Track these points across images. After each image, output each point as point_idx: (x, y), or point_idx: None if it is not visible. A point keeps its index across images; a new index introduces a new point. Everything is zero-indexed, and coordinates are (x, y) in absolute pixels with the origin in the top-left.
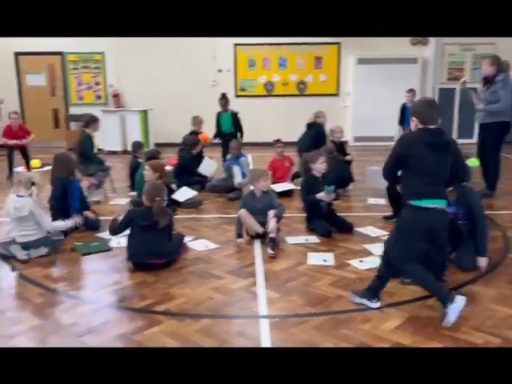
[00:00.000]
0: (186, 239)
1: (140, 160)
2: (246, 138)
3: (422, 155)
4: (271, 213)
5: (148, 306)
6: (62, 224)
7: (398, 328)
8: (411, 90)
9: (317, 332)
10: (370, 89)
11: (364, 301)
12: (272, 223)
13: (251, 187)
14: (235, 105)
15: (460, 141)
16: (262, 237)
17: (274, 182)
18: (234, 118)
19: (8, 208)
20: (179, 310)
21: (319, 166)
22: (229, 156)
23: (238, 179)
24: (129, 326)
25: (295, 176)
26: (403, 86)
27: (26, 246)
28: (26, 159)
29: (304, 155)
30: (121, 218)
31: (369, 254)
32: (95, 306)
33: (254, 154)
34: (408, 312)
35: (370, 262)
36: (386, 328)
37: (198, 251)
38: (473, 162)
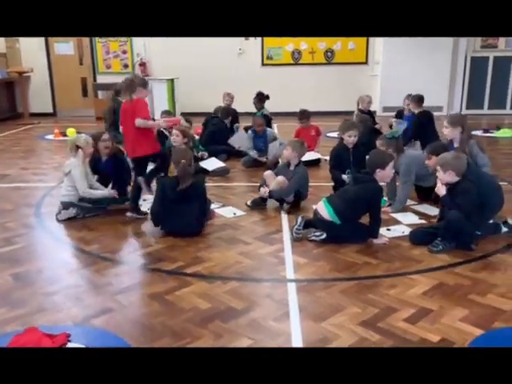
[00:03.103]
0: (214, 206)
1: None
2: (272, 108)
3: None
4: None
5: (179, 268)
6: (98, 193)
7: (425, 294)
8: (410, 96)
9: (343, 296)
10: (399, 58)
11: None
12: (274, 184)
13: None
14: (262, 74)
15: (491, 111)
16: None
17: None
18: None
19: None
20: (209, 273)
21: (347, 139)
22: (251, 134)
23: (270, 155)
24: (161, 286)
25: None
26: (434, 55)
27: (63, 206)
28: None
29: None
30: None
31: (396, 222)
32: (128, 268)
33: (281, 124)
34: (436, 279)
35: (398, 230)
36: (412, 294)
37: (225, 218)
38: (505, 132)
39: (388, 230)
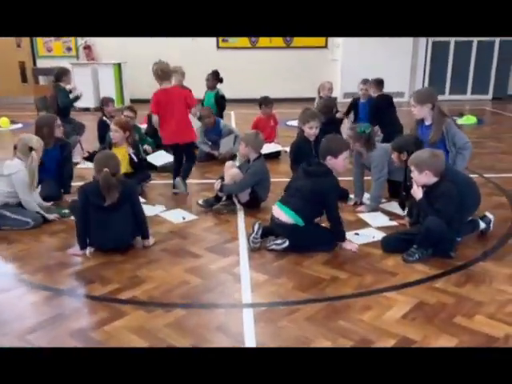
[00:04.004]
0: (158, 209)
1: (106, 119)
2: (229, 95)
3: None
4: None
5: (112, 292)
6: (36, 207)
7: (405, 317)
8: (367, 82)
9: (310, 324)
10: (360, 42)
11: None
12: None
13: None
14: (217, 57)
15: (452, 97)
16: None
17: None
18: (218, 99)
19: None
20: (148, 298)
21: (309, 131)
22: (201, 126)
23: (223, 150)
24: (87, 319)
25: None
26: (395, 40)
27: None
28: None
29: (299, 115)
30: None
31: (364, 224)
32: (49, 294)
33: (237, 112)
34: (415, 297)
35: (367, 234)
36: (390, 318)
37: (173, 224)
38: (469, 119)
39: (356, 234)
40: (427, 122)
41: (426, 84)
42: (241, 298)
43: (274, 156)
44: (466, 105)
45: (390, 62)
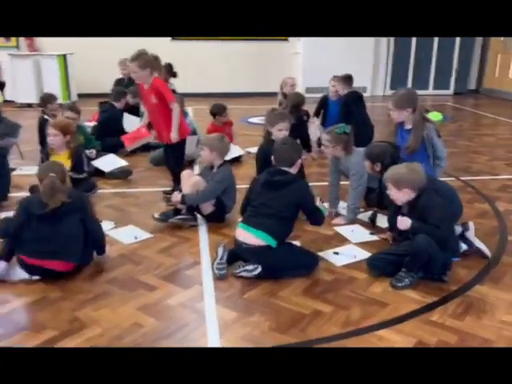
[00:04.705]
0: (109, 225)
1: (49, 118)
2: (186, 89)
3: None
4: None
5: (46, 342)
6: None
7: None
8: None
9: None
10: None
11: None
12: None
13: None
14: (171, 49)
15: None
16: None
17: None
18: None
19: None
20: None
21: (277, 133)
22: None
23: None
24: None
25: None
26: None
27: None
28: None
29: (266, 115)
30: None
31: (343, 240)
32: None
33: (196, 108)
34: (412, 335)
35: (348, 253)
36: None
37: (123, 245)
38: (434, 116)
39: (336, 253)
40: (407, 126)
41: (389, 78)
42: (207, 344)
43: (235, 159)
44: (428, 100)
45: (353, 56)
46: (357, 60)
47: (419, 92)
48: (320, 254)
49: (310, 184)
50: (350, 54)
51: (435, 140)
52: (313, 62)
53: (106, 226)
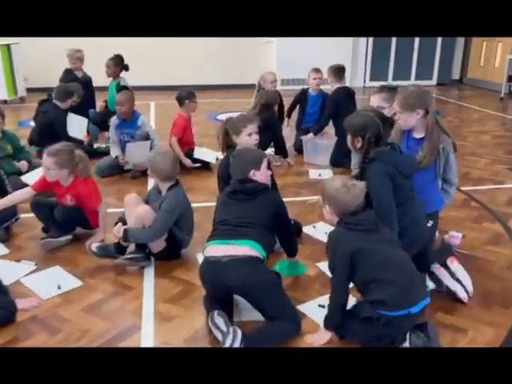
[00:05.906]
0: (28, 267)
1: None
2: (147, 82)
3: None
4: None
5: None
6: None
7: None
8: (318, 71)
9: None
10: None
11: None
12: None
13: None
14: (138, 41)
15: (396, 83)
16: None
17: (187, 146)
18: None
19: None
20: None
21: (247, 141)
22: (116, 121)
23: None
24: None
25: None
26: None
27: None
28: None
29: (226, 122)
30: None
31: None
32: None
33: (159, 102)
34: None
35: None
36: None
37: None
38: None
39: (322, 306)
40: (418, 135)
41: (369, 68)
42: None
43: (204, 167)
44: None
45: (330, 44)
46: (335, 48)
47: (401, 83)
48: (300, 307)
49: (285, 200)
50: (328, 41)
51: (451, 158)
52: (287, 52)
53: (24, 268)
